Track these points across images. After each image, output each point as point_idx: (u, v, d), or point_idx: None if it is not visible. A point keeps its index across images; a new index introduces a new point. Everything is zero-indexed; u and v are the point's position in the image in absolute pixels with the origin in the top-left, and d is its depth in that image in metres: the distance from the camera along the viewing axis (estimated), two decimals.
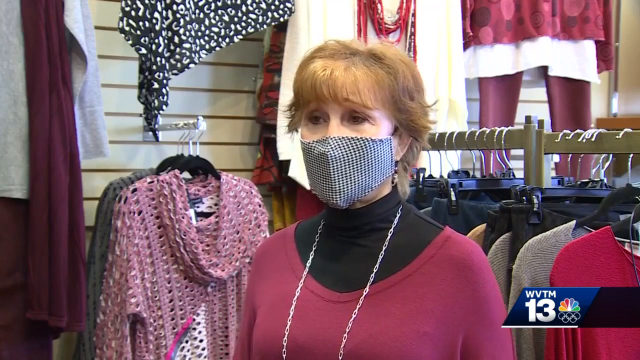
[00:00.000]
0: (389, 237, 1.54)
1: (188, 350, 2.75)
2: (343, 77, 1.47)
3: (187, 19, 2.88)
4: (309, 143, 1.50)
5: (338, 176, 1.48)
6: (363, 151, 1.48)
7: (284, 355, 1.49)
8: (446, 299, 1.46)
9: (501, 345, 1.50)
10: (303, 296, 1.53)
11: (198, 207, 2.81)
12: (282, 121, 2.65)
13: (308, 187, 2.12)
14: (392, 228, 1.55)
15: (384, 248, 1.53)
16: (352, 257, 1.54)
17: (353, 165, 1.48)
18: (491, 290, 1.50)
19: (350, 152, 1.48)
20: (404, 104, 1.51)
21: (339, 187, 1.48)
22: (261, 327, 1.56)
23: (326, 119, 1.49)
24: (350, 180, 1.48)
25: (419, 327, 1.44)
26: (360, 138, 1.48)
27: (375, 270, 1.51)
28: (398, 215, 1.56)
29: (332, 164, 1.47)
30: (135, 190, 2.65)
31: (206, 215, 2.81)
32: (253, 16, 3.06)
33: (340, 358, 1.45)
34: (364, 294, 1.49)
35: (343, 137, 1.47)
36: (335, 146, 1.47)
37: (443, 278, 1.48)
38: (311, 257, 1.58)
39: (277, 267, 1.61)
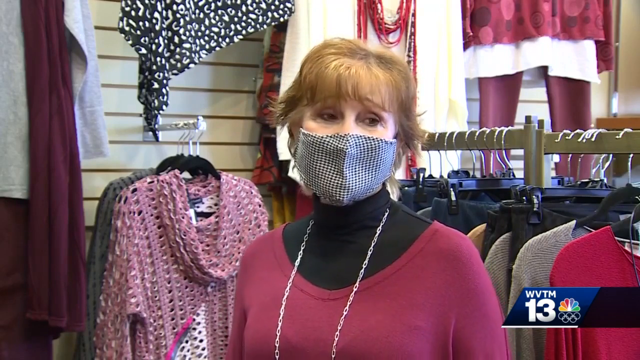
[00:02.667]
0: (377, 234, 1.54)
1: (188, 350, 2.75)
2: (367, 76, 1.47)
3: (187, 19, 2.88)
4: (322, 137, 1.48)
5: (350, 173, 1.48)
6: (375, 152, 1.49)
7: (277, 356, 1.48)
8: (436, 292, 1.46)
9: (493, 337, 1.49)
10: (293, 295, 1.53)
11: (198, 207, 2.81)
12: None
13: None
14: (381, 225, 1.55)
15: (372, 244, 1.53)
16: (341, 254, 1.54)
17: (364, 165, 1.49)
18: (481, 281, 1.50)
19: (365, 152, 1.48)
20: (411, 110, 1.53)
21: (349, 184, 1.48)
22: (252, 328, 1.55)
23: (339, 117, 1.49)
24: (359, 178, 1.49)
25: (410, 322, 1.44)
26: (376, 138, 1.48)
27: (364, 267, 1.51)
28: (387, 213, 1.57)
29: (348, 160, 1.47)
30: (135, 190, 2.65)
31: (206, 215, 2.81)
32: (253, 16, 3.06)
33: (333, 356, 1.44)
34: (354, 290, 1.49)
35: (361, 136, 1.47)
36: (353, 144, 1.47)
37: (432, 271, 1.48)
38: (300, 256, 1.58)
39: (265, 268, 1.61)
